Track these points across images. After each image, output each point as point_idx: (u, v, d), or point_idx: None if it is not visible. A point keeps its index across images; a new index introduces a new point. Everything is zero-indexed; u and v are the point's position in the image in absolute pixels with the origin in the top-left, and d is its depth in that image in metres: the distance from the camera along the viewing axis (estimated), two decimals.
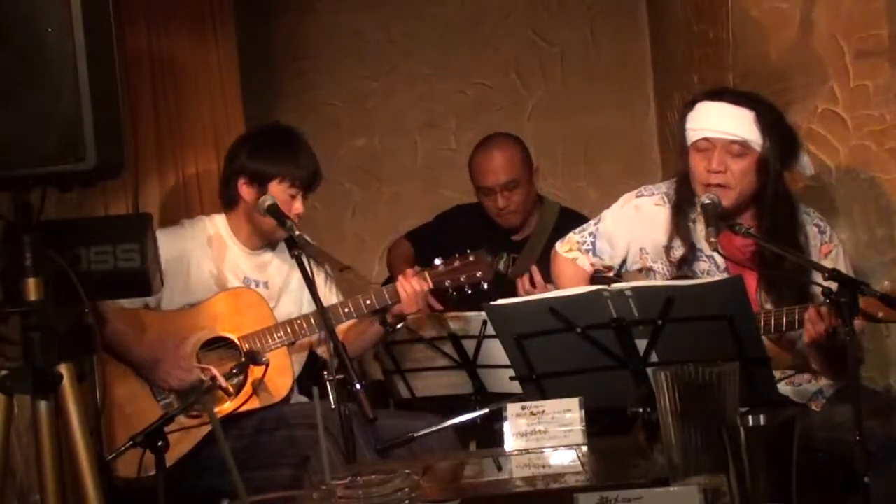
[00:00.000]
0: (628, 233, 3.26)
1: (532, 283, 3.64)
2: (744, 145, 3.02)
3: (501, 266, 3.70)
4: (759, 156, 3.03)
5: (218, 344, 3.34)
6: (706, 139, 3.05)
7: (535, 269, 3.67)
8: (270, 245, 3.52)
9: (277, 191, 3.37)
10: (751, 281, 3.03)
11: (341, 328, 3.36)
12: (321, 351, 3.53)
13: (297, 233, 3.21)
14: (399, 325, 3.43)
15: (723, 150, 3.03)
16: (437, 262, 3.40)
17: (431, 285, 3.37)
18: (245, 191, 3.41)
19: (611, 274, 3.28)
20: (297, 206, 3.39)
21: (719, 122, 3.03)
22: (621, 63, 5.10)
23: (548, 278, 3.55)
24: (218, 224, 3.50)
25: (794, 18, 3.62)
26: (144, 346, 3.26)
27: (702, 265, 3.13)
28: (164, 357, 3.23)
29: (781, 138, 3.06)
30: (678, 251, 3.14)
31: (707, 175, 3.04)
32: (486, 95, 5.10)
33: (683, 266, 3.13)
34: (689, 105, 3.13)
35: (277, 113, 5.02)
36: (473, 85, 5.10)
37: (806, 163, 3.17)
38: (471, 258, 3.39)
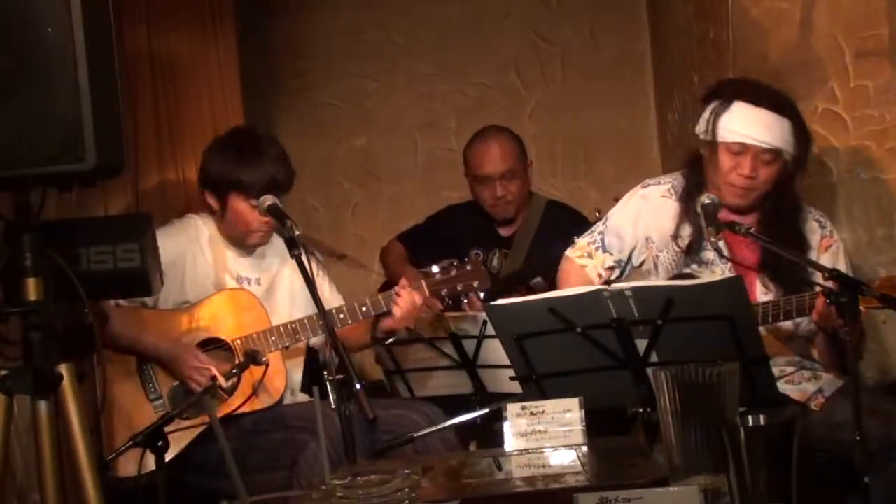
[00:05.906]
0: (635, 222, 3.26)
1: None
2: (776, 153, 3.04)
3: (495, 262, 3.70)
4: (786, 161, 3.06)
5: (213, 345, 3.34)
6: (742, 144, 3.05)
7: (472, 296, 3.62)
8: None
9: (237, 202, 3.35)
10: (751, 275, 3.05)
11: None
12: (315, 343, 3.52)
13: (297, 232, 3.19)
14: (389, 340, 3.40)
15: (756, 157, 3.04)
16: (434, 269, 3.38)
17: (428, 294, 3.35)
18: (211, 201, 3.42)
19: (612, 277, 3.28)
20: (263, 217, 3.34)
21: (758, 130, 3.02)
22: (621, 63, 5.09)
23: (544, 274, 3.56)
24: (209, 223, 3.49)
25: (794, 18, 3.62)
26: (156, 339, 3.27)
27: (708, 254, 3.14)
28: (180, 354, 3.25)
29: (805, 143, 3.09)
30: (686, 239, 3.15)
31: (737, 177, 3.06)
32: (486, 95, 5.10)
33: (691, 253, 3.14)
34: (725, 102, 3.07)
35: (277, 112, 5.04)
36: (473, 85, 5.10)
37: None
38: (468, 267, 3.36)
